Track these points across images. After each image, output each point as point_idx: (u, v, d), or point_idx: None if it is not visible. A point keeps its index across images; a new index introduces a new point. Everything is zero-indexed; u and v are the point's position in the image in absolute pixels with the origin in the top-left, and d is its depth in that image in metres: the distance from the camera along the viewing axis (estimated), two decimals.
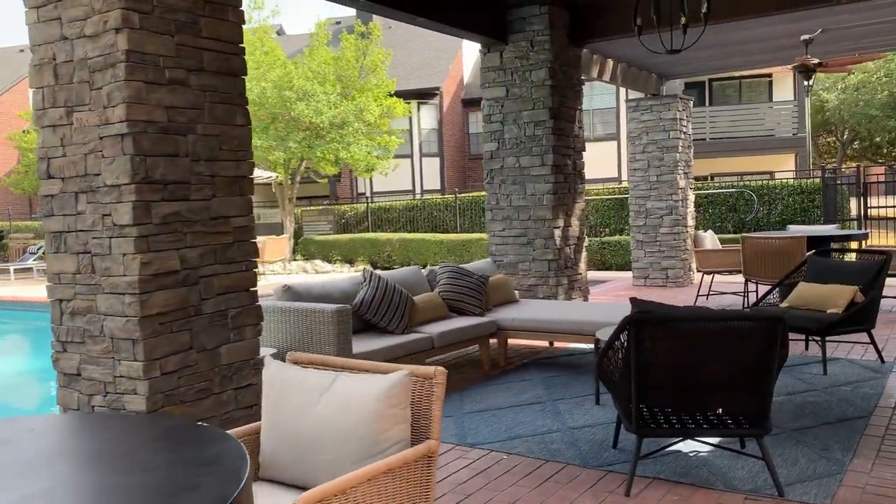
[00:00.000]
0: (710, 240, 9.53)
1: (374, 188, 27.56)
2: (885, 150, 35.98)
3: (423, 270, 6.72)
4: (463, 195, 19.27)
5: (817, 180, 14.82)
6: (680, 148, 11.49)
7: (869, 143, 34.76)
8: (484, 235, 16.53)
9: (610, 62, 9.77)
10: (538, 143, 7.82)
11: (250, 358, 4.48)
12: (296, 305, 5.12)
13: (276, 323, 5.24)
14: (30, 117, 22.28)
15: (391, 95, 19.58)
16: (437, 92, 28.92)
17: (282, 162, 17.92)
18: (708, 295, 9.64)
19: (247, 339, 4.45)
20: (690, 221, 11.83)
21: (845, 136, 36.15)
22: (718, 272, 9.29)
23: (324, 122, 17.09)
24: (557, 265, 7.81)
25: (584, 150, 8.44)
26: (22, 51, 32.70)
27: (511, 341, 6.80)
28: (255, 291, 4.52)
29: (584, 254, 8.42)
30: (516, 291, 7.59)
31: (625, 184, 18.89)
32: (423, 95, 28.64)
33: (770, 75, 25.93)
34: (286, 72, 16.91)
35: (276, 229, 19.93)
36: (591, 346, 5.69)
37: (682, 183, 11.54)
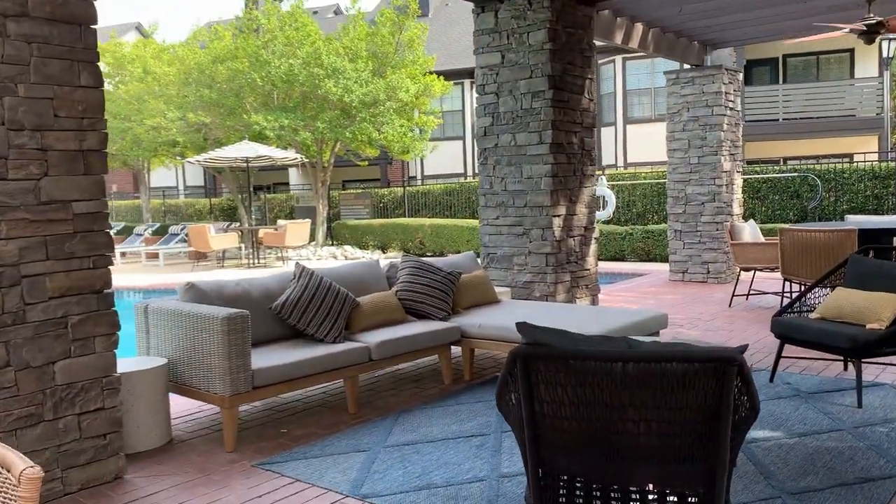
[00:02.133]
0: (749, 231, 8.23)
1: (425, 171, 26.71)
2: None
3: (382, 263, 5.77)
4: None
5: (893, 164, 13.10)
6: (725, 126, 10.14)
7: None
8: None
9: (639, 26, 8.54)
10: (536, 118, 6.73)
11: (102, 376, 3.64)
12: (184, 308, 4.26)
13: (165, 330, 4.39)
14: None
15: (432, 73, 18.60)
16: None
17: (310, 143, 17.20)
18: (748, 295, 8.36)
19: (96, 352, 3.61)
20: (737, 209, 10.47)
21: None
22: (759, 269, 8.00)
23: (353, 100, 16.26)
24: (556, 259, 6.73)
25: (595, 126, 7.30)
26: None
27: (492, 352, 5.79)
28: (109, 294, 3.66)
29: (593, 247, 7.30)
30: (506, 290, 6.56)
31: None
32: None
33: (852, 49, 23.74)
34: (315, 48, 16.13)
35: (315, 213, 19.29)
36: None
37: (726, 165, 10.18)
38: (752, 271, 8.16)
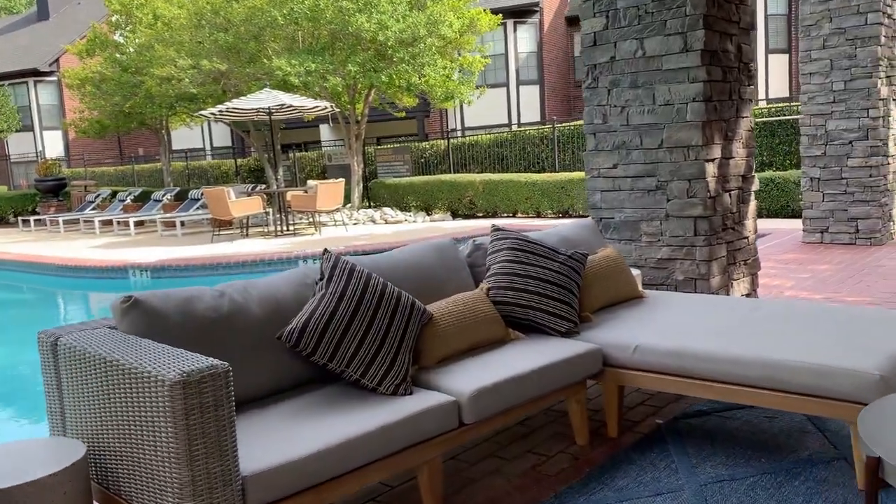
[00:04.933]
0: None
1: (465, 123, 24.36)
2: None
3: (459, 245, 3.61)
4: (563, 124, 15.79)
5: None
6: (882, 39, 7.70)
7: None
8: None
9: None
10: (678, 12, 4.46)
11: None
12: (108, 353, 2.18)
13: (83, 392, 2.33)
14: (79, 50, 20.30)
15: (476, 6, 16.18)
16: (536, 8, 25.12)
17: (342, 89, 14.99)
18: None
19: None
20: (893, 149, 8.08)
21: None
22: None
23: (389, 38, 13.96)
24: (710, 225, 4.52)
25: (755, 29, 5.00)
26: None
27: (652, 389, 3.60)
28: None
29: (752, 204, 5.06)
30: (638, 277, 4.37)
31: (774, 105, 14.95)
32: (520, 13, 24.91)
33: None
34: None
35: (349, 172, 17.14)
36: (842, 420, 2.55)
37: (884, 91, 7.77)
38: None
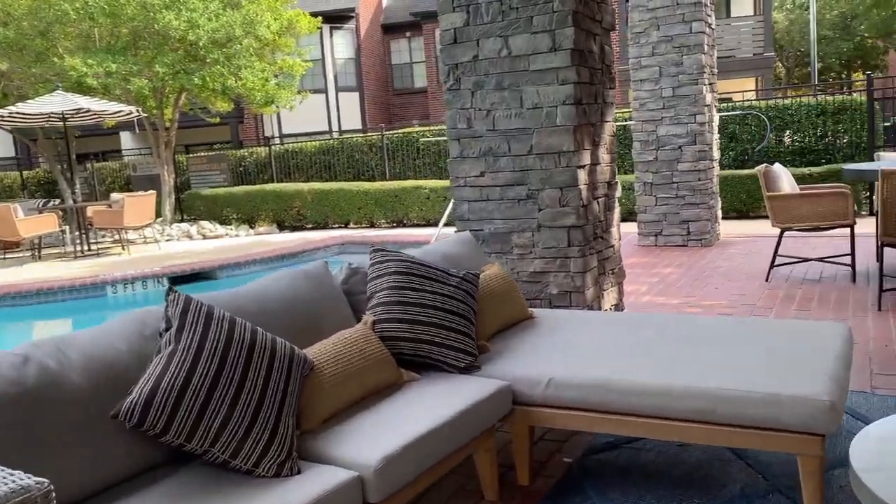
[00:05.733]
0: (787, 179, 6.15)
1: (283, 130, 23.34)
2: (836, 75, 33.76)
3: (332, 269, 3.02)
4: (392, 132, 15.43)
5: (841, 97, 11.65)
6: (706, 47, 8.02)
7: (823, 68, 32.42)
8: (422, 182, 12.87)
9: None
10: (544, 8, 4.17)
11: None
12: None
13: None
14: None
15: (293, 9, 15.40)
16: (352, 14, 24.67)
17: (148, 93, 13.61)
18: (772, 264, 6.30)
19: None
20: (716, 153, 8.46)
21: (791, 61, 33.87)
22: (799, 228, 5.96)
23: (201, 37, 12.86)
24: (584, 235, 4.27)
25: (616, 29, 4.84)
26: None
27: (566, 427, 3.19)
28: None
29: (617, 211, 4.90)
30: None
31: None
32: (336, 18, 24.33)
33: None
34: None
35: (159, 183, 15.62)
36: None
37: (708, 98, 8.10)
38: (782, 231, 6.11)
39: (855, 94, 11.78)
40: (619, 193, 4.92)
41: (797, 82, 32.74)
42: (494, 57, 4.31)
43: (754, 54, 21.66)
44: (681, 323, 3.20)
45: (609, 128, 4.72)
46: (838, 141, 11.46)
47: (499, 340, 3.12)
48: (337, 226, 13.79)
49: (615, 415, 2.58)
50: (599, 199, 4.56)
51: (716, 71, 8.42)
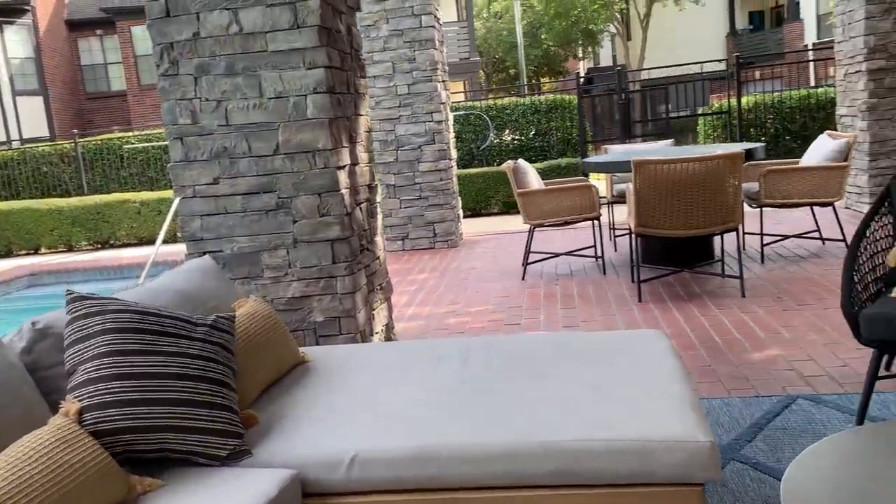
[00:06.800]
0: (533, 174, 6.00)
1: None
2: (528, 79, 36.81)
3: (2, 334, 1.98)
4: (88, 140, 13.36)
5: (566, 96, 12.31)
6: (437, 43, 7.76)
7: (517, 74, 35.15)
8: (130, 195, 11.24)
9: None
10: None
11: None
12: None
13: None
14: None
15: None
16: (27, 7, 21.36)
17: None
18: (526, 261, 6.16)
19: None
20: (454, 152, 8.27)
21: (490, 67, 36.31)
22: (550, 224, 5.86)
23: None
24: (350, 248, 3.58)
25: (361, 9, 4.21)
26: None
27: None
28: None
29: (380, 218, 4.28)
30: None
31: None
32: (7, 12, 20.88)
33: None
34: None
35: None
36: None
37: (443, 95, 7.86)
38: (533, 228, 5.98)
39: (565, 95, 12.50)
40: (380, 197, 4.31)
41: (496, 86, 35.08)
42: (222, 34, 3.45)
43: (461, 59, 22.53)
44: (487, 349, 2.65)
45: (364, 122, 4.09)
46: (552, 138, 12.08)
47: (269, 403, 2.32)
48: (24, 252, 11.54)
49: (443, 492, 1.93)
50: (362, 205, 3.91)
51: (447, 68, 8.21)
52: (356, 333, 3.62)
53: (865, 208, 7.20)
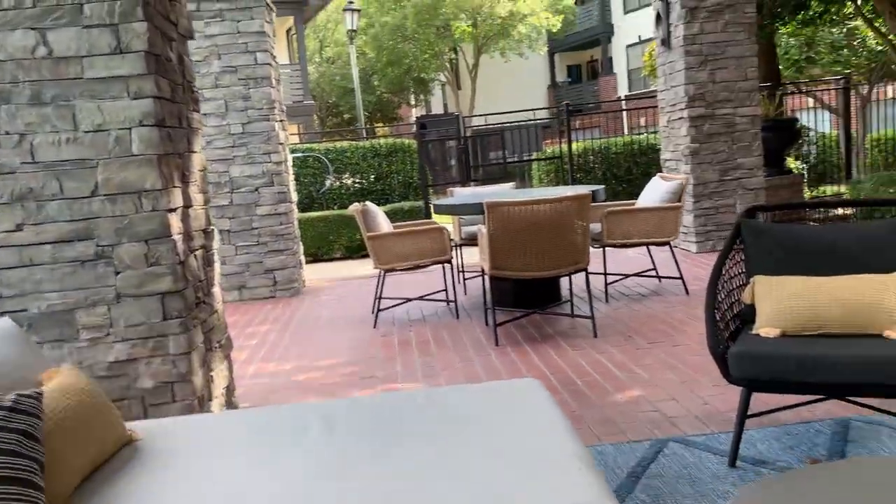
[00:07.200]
0: (383, 217, 5.77)
1: None
2: (363, 124, 36.93)
3: None
4: None
5: (406, 140, 12.27)
6: (273, 81, 7.42)
7: (351, 118, 35.16)
8: None
9: None
10: None
11: None
12: None
13: None
14: None
15: None
16: None
17: None
18: (378, 307, 5.90)
19: None
20: (294, 195, 7.89)
21: (323, 111, 36.16)
22: (402, 268, 5.65)
23: None
24: (185, 302, 3.15)
25: (193, 38, 3.82)
26: None
27: None
28: None
29: (217, 267, 3.85)
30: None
31: None
32: None
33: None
34: None
35: None
36: None
37: (282, 136, 7.49)
38: (383, 274, 5.75)
39: (405, 139, 12.50)
40: (217, 244, 3.89)
41: (331, 129, 34.88)
42: (26, 58, 2.96)
43: (294, 101, 22.14)
44: (350, 413, 2.36)
45: (199, 160, 3.68)
46: (393, 181, 11.99)
47: (89, 499, 1.87)
48: None
49: None
50: (197, 253, 3.48)
51: (285, 108, 7.87)
52: (193, 400, 3.17)
53: (693, 247, 7.63)
